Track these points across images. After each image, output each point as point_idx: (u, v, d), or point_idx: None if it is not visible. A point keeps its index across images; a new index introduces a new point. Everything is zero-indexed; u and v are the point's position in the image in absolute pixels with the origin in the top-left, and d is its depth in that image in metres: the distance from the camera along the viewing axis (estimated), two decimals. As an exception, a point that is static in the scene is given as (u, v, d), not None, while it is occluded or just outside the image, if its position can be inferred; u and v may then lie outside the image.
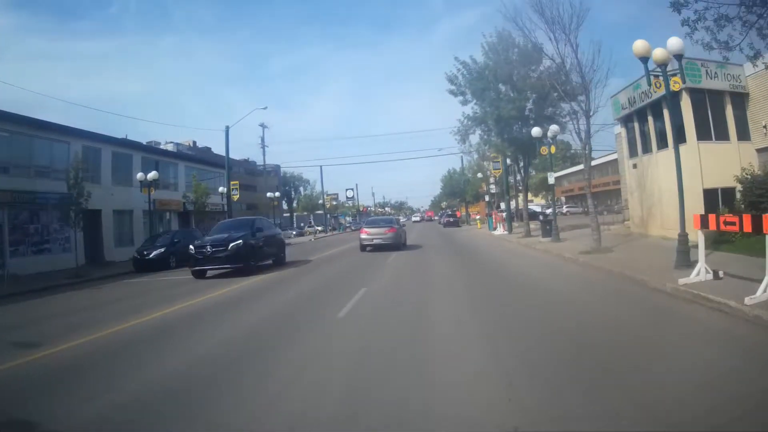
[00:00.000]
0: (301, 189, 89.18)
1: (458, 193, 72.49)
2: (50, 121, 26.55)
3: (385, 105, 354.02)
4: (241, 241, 16.93)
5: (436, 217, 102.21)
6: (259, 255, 18.05)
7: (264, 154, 55.69)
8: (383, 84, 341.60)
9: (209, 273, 17.20)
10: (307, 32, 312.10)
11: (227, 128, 33.16)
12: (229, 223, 19.99)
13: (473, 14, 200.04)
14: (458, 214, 68.97)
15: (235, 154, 66.64)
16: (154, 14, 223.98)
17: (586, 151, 17.78)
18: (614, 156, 42.84)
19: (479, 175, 50.53)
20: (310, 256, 24.07)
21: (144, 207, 27.31)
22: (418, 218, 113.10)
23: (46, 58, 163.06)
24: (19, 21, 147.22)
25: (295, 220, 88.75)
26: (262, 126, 56.03)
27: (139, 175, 26.62)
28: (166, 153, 43.34)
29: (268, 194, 49.86)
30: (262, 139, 55.73)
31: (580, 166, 64.43)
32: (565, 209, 62.47)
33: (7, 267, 22.06)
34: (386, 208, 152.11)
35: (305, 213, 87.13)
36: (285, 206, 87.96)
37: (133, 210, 31.58)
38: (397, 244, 23.64)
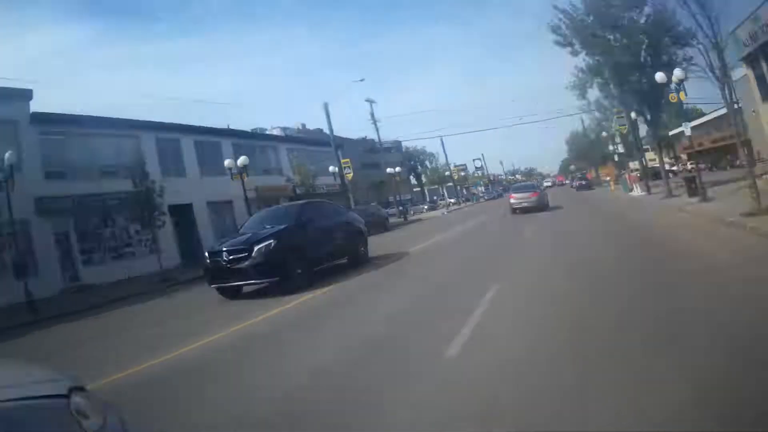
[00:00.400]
0: (427, 163, 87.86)
1: (585, 155, 67.23)
2: (112, 117, 24.38)
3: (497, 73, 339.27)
4: (272, 241, 10.87)
5: (567, 181, 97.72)
6: (312, 258, 11.88)
7: (377, 130, 54.38)
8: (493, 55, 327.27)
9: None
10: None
11: (326, 105, 33.26)
12: (266, 214, 13.88)
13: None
14: (589, 176, 64.76)
15: (351, 134, 66.81)
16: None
17: (726, 91, 14.73)
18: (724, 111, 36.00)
19: (603, 134, 46.08)
20: (427, 238, 20.20)
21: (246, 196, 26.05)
22: (549, 183, 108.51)
23: (151, 61, 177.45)
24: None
25: (427, 194, 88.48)
26: (369, 101, 54.57)
27: (227, 162, 23.47)
28: (260, 137, 39.53)
29: (388, 170, 46.91)
30: (372, 115, 54.08)
31: (699, 121, 56.40)
32: (689, 166, 55.83)
33: (81, 278, 21.31)
34: (516, 176, 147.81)
35: (435, 186, 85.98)
36: (414, 181, 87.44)
37: (233, 200, 27.54)
38: (541, 206, 25.81)
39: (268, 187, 32.43)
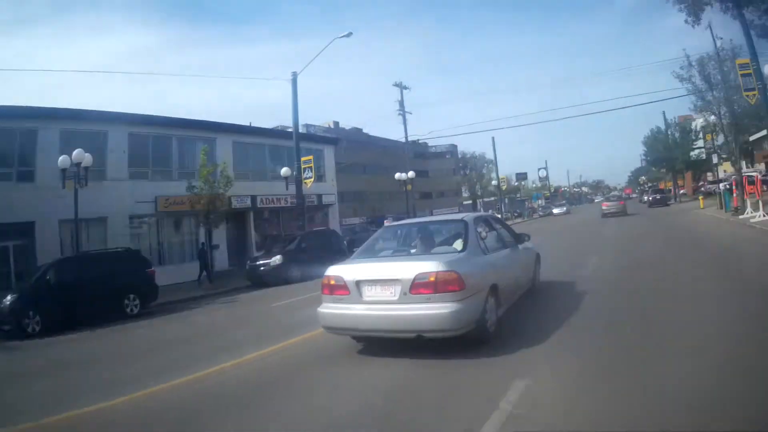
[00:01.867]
0: (484, 170, 73.54)
1: (663, 159, 48.48)
2: None
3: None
4: None
5: (634, 195, 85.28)
6: None
7: (405, 122, 36.83)
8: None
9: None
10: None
11: (294, 75, 20.44)
12: None
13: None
14: (661, 186, 52.26)
15: (402, 135, 54.22)
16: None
17: None
18: None
19: (699, 122, 32.51)
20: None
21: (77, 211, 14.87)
22: (607, 207, 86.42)
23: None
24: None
25: (481, 207, 74.72)
26: (399, 86, 37.13)
27: (61, 160, 14.61)
28: (170, 122, 22.62)
29: (397, 175, 31.79)
30: (401, 103, 36.76)
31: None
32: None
33: None
34: (582, 188, 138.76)
35: (493, 198, 70.57)
36: (466, 193, 74.35)
37: (108, 217, 18.70)
38: (624, 212, 32.00)
39: (173, 199, 20.89)
